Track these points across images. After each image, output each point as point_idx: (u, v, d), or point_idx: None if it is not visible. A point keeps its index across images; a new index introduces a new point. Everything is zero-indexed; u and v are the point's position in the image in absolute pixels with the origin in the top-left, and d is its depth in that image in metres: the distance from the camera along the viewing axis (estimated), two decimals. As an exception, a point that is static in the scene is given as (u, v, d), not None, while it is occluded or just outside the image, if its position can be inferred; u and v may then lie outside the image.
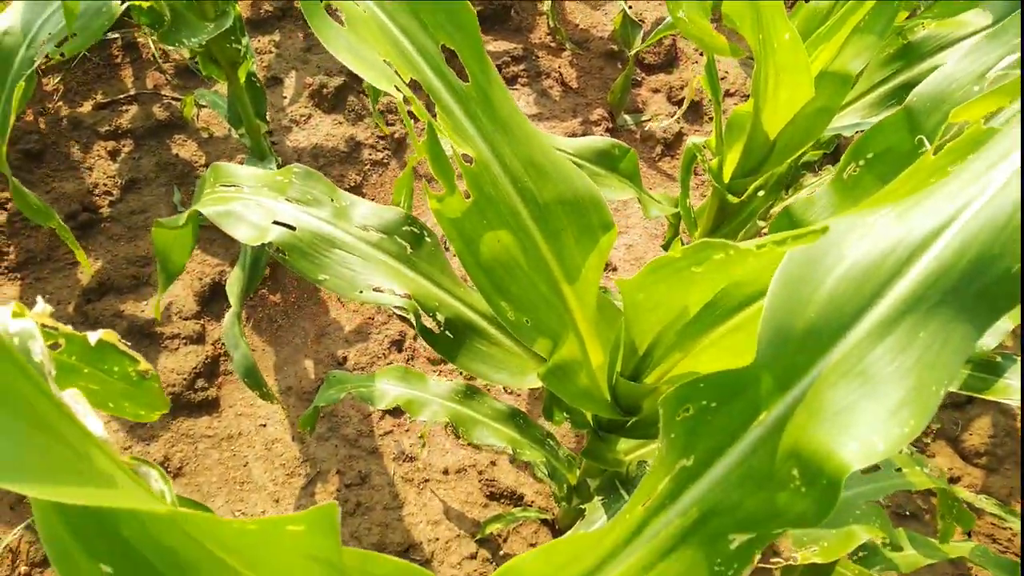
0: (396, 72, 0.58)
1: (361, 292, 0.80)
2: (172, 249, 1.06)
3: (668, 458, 0.45)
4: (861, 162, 0.67)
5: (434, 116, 0.63)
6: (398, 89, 0.57)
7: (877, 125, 0.65)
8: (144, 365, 0.59)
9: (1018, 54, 0.60)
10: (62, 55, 0.86)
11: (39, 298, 0.49)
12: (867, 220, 0.47)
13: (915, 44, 1.07)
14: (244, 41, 1.31)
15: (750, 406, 0.45)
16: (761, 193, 1.22)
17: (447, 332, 0.82)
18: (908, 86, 1.08)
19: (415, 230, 0.84)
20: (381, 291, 0.80)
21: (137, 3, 0.94)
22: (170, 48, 1.35)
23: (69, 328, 0.50)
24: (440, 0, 0.59)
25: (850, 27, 0.88)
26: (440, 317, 0.82)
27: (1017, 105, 0.54)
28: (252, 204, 0.82)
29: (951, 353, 0.43)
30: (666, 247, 1.30)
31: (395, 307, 0.78)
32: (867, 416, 0.42)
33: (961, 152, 0.54)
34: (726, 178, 1.17)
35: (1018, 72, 0.57)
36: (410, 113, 0.59)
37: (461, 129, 0.62)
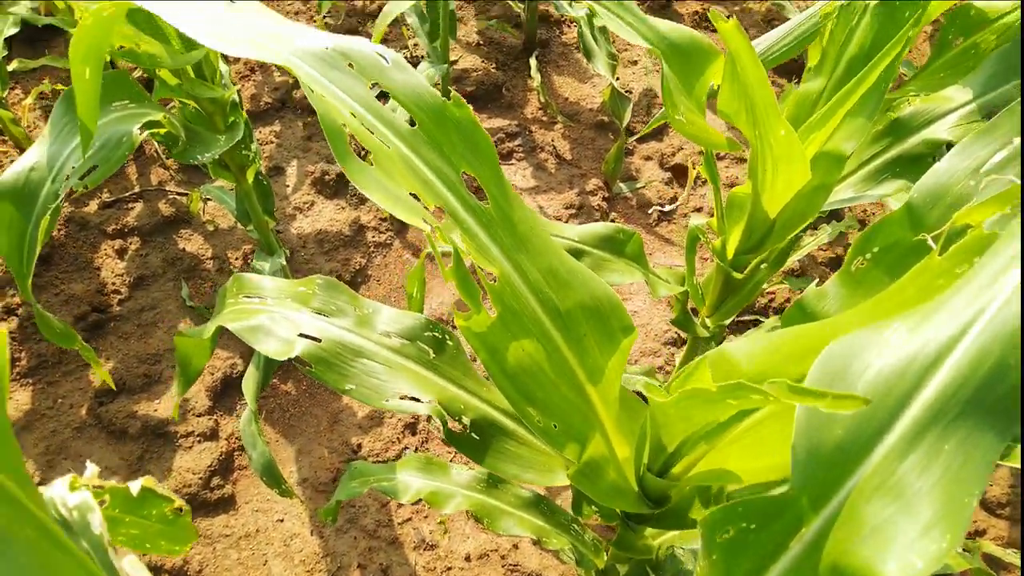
0: (422, 203, 0.61)
1: (388, 401, 0.81)
2: (193, 355, 1.08)
3: (713, 580, 0.46)
4: (868, 256, 0.70)
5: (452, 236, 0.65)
6: (426, 222, 0.59)
7: (880, 221, 0.68)
8: (178, 502, 0.60)
9: (1008, 151, 0.64)
10: (85, 187, 0.90)
11: (88, 462, 0.51)
12: (882, 335, 0.49)
13: (903, 120, 1.11)
14: (253, 147, 1.35)
15: (789, 525, 0.46)
16: (764, 266, 1.25)
17: (473, 434, 0.83)
18: (899, 160, 1.12)
19: (436, 334, 0.86)
20: (407, 399, 0.81)
21: (154, 130, 0.99)
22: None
23: (113, 483, 0.52)
24: (461, 132, 0.63)
25: (842, 114, 0.92)
26: (466, 420, 0.83)
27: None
28: (278, 317, 0.84)
29: (977, 463, 0.44)
30: (676, 323, 1.32)
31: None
32: (903, 533, 0.43)
33: (966, 254, 0.56)
34: (729, 255, 1.20)
35: (1013, 178, 0.60)
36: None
37: (484, 249, 0.65)
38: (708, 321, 1.37)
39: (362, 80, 0.62)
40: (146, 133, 0.95)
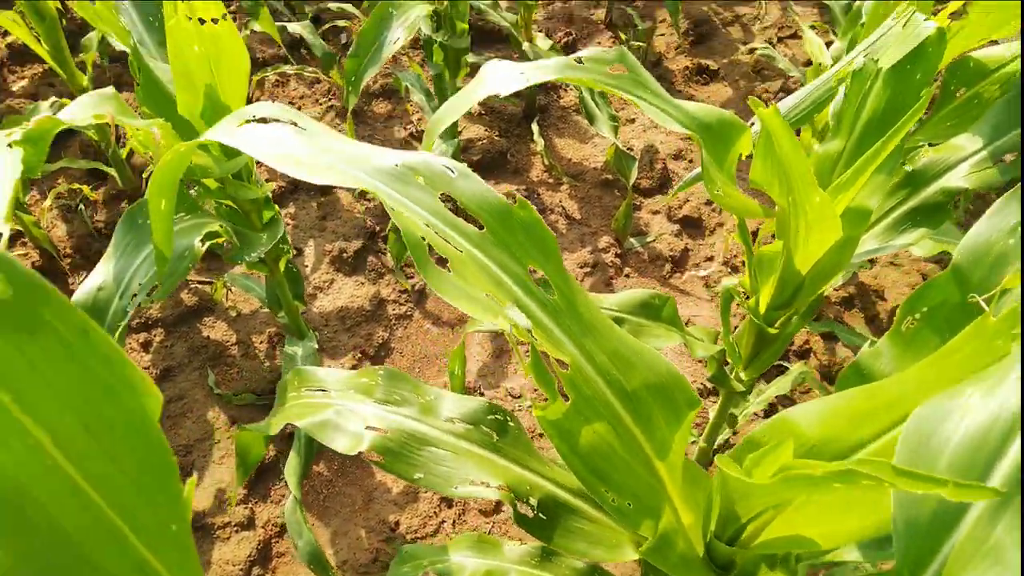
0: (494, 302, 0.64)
1: (457, 488, 0.82)
2: (252, 447, 1.10)
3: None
4: (917, 316, 0.73)
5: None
6: (503, 319, 0.62)
7: (927, 283, 0.72)
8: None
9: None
10: (152, 302, 0.93)
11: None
12: (960, 402, 0.51)
13: (918, 171, 1.15)
14: (288, 239, 1.39)
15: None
16: (796, 319, 1.28)
17: (540, 514, 0.85)
18: (919, 210, 1.16)
19: (499, 417, 0.88)
20: (476, 484, 0.83)
21: (214, 240, 1.03)
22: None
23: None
24: (527, 231, 0.66)
25: (867, 175, 0.96)
26: (532, 500, 0.85)
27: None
28: (344, 411, 0.86)
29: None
30: (713, 380, 1.34)
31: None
32: (1013, 599, 0.45)
33: (1017, 316, 0.59)
34: (762, 311, 1.23)
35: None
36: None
37: (555, 339, 0.68)
38: (743, 375, 1.39)
39: (431, 191, 0.66)
40: (207, 244, 0.99)
